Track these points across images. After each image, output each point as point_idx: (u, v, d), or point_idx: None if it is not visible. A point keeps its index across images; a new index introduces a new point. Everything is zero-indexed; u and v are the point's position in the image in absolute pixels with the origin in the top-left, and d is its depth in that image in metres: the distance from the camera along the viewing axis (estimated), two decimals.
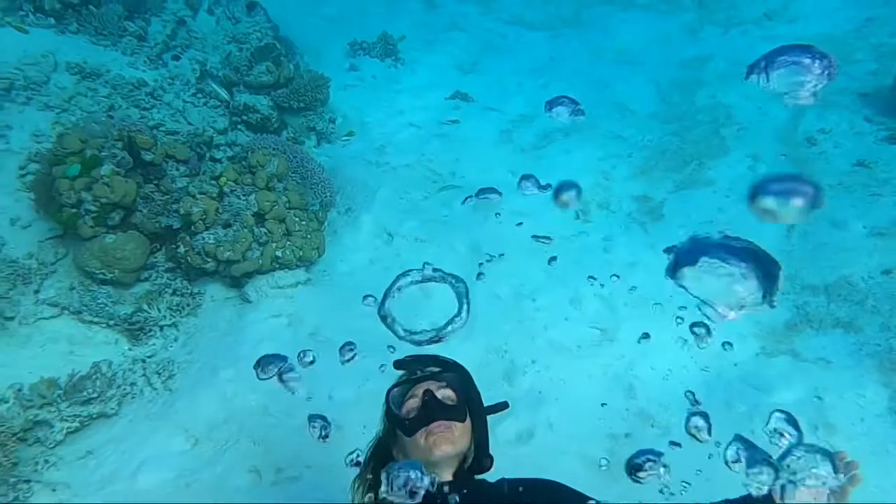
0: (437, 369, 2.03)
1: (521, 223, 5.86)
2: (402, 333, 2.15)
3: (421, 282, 2.28)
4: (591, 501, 1.85)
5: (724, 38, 8.84)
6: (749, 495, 1.63)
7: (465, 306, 2.15)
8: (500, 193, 4.29)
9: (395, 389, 2.00)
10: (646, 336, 5.05)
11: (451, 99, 7.78)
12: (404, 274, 2.29)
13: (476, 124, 7.45)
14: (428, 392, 1.87)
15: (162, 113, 6.01)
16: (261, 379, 3.19)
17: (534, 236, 5.89)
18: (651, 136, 7.50)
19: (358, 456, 2.10)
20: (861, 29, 8.38)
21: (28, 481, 3.64)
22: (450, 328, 2.11)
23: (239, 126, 6.40)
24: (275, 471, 4.03)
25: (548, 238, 5.90)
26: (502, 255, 5.89)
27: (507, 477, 1.94)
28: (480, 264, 5.69)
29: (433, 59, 8.66)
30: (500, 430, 4.39)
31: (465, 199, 4.02)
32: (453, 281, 2.27)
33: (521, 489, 1.85)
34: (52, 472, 3.79)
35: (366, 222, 6.03)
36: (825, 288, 5.69)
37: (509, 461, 4.07)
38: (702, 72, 8.25)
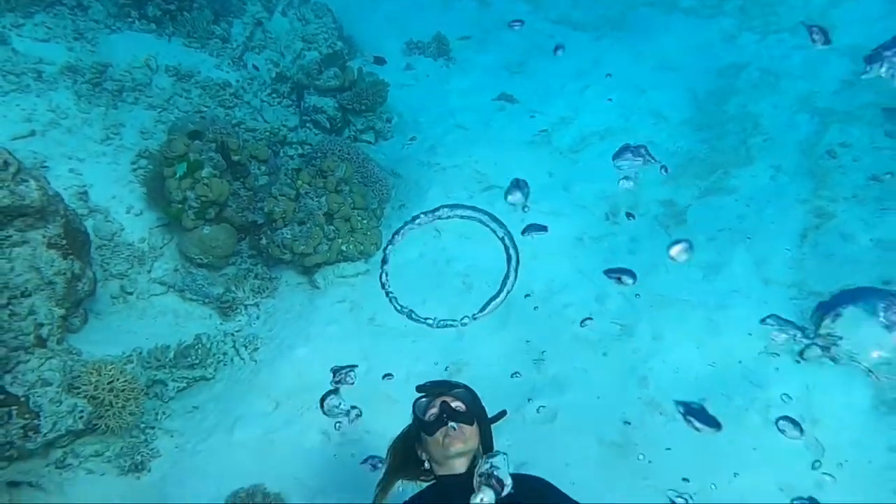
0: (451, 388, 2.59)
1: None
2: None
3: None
4: None
5: (760, 45, 9.17)
6: None
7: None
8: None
9: (421, 401, 2.54)
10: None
11: (497, 100, 8.39)
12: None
13: (519, 126, 8.08)
14: (444, 402, 2.46)
15: (243, 112, 6.82)
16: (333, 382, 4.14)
17: None
18: (682, 143, 8.04)
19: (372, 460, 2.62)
20: None
21: (152, 427, 4.60)
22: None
23: (308, 124, 7.17)
24: (340, 433, 4.93)
25: None
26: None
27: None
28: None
29: (483, 59, 9.22)
30: (528, 410, 5.22)
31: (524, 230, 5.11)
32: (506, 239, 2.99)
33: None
34: (169, 422, 4.74)
35: None
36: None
37: (535, 437, 4.90)
38: (736, 80, 8.64)
